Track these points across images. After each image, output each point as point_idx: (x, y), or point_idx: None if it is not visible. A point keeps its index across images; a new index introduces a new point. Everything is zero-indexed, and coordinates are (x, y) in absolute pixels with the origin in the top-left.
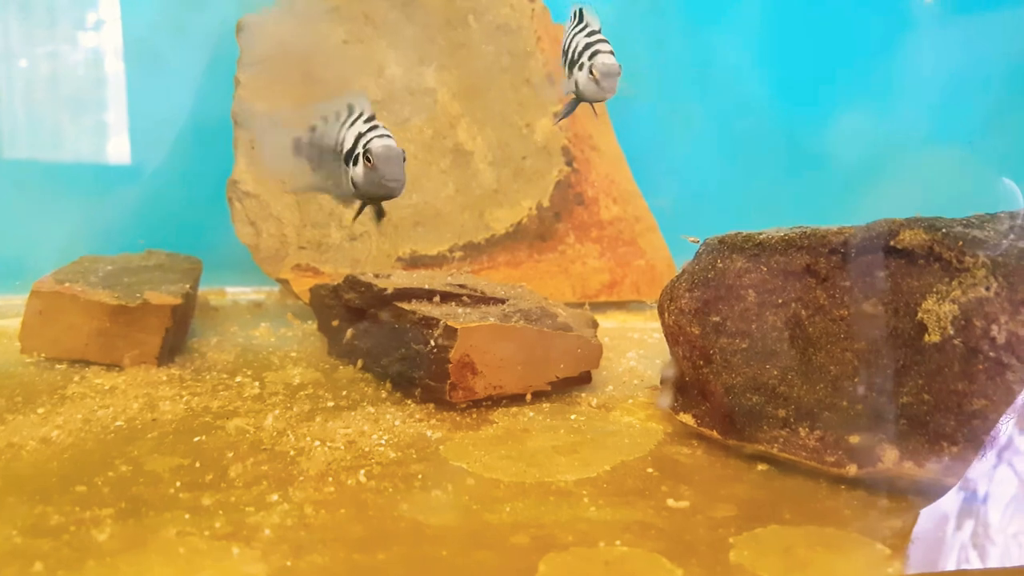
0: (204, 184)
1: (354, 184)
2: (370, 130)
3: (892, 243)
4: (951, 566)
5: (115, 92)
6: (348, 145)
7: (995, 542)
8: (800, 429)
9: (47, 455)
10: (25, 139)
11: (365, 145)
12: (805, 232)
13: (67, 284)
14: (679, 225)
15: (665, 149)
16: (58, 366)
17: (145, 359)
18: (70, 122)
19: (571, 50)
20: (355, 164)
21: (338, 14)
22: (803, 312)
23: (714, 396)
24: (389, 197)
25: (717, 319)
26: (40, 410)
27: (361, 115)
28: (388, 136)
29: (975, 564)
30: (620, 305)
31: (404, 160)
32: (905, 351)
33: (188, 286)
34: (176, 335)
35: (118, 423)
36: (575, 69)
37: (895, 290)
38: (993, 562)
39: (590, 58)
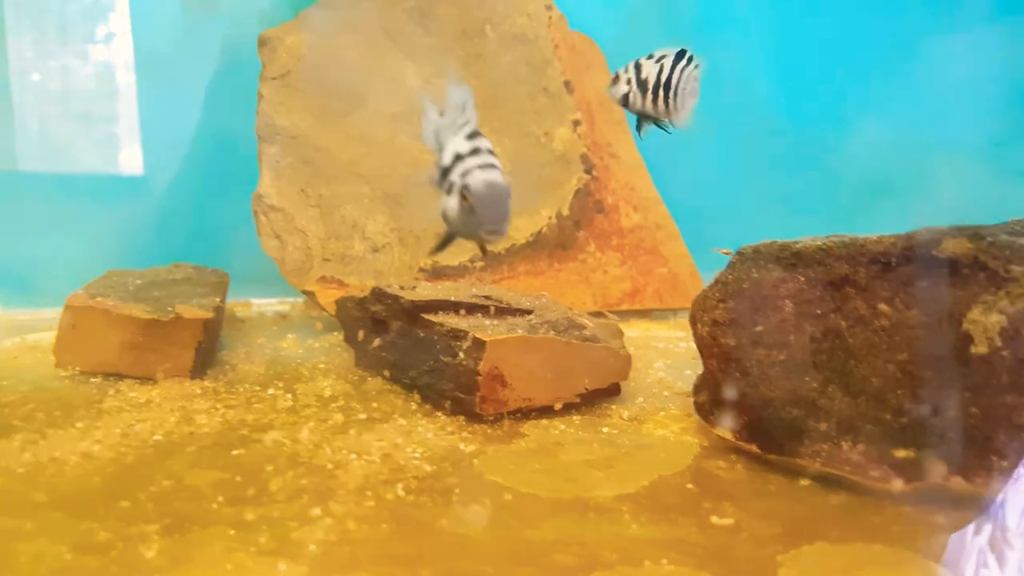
0: (227, 196)
1: (444, 215)
2: (472, 154)
3: (935, 252)
4: (969, 571)
5: (137, 106)
6: (445, 161)
7: (1013, 546)
8: (843, 443)
9: (89, 470)
10: (49, 152)
11: (463, 176)
12: (843, 241)
13: (99, 298)
14: (701, 232)
15: (684, 156)
16: (92, 380)
17: (178, 372)
18: (94, 135)
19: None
20: (448, 192)
21: (356, 27)
22: (843, 323)
23: (752, 409)
24: (483, 242)
25: (753, 330)
26: (79, 424)
27: (467, 122)
28: (493, 166)
29: (993, 569)
30: (643, 314)
31: (509, 196)
32: (950, 363)
33: (218, 299)
34: (207, 348)
35: (156, 437)
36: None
37: (938, 300)
38: (1011, 567)
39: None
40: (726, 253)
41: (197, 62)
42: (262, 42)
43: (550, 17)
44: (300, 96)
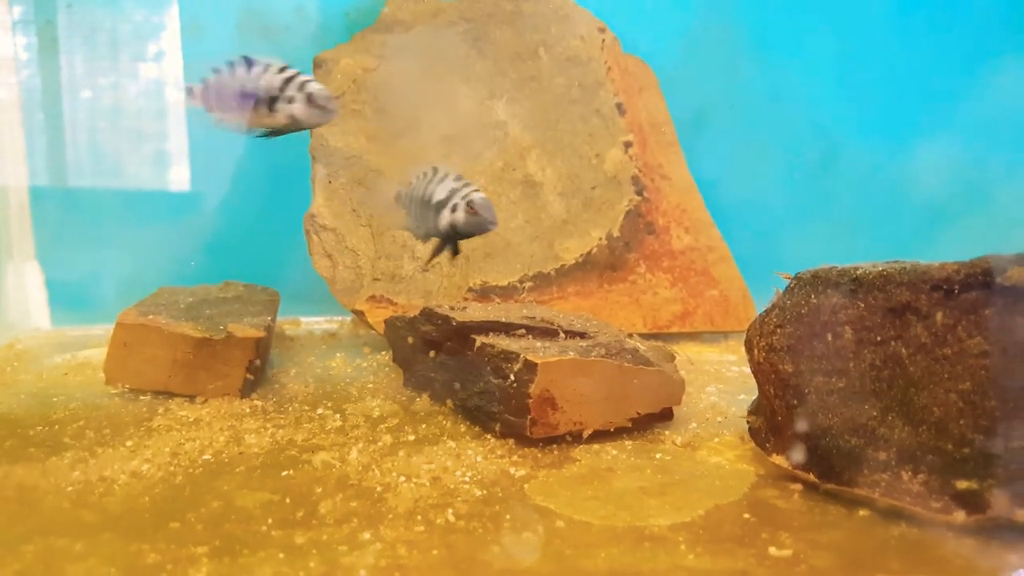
0: (279, 215)
1: (452, 225)
2: (464, 186)
3: (1000, 280)
4: None
5: (187, 124)
6: (441, 196)
7: None
8: (903, 473)
9: (139, 489)
10: (100, 168)
11: (466, 197)
12: (904, 267)
13: (150, 316)
14: (754, 255)
15: (739, 178)
16: (142, 397)
17: (228, 391)
18: (147, 151)
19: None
20: (454, 211)
21: (410, 49)
22: (904, 351)
23: (810, 437)
24: (484, 232)
25: (812, 357)
26: (128, 443)
27: (448, 175)
28: (478, 190)
29: None
30: (693, 336)
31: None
32: (1015, 393)
33: (269, 318)
34: (258, 367)
35: (205, 456)
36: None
37: (1003, 329)
38: None
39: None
40: (787, 277)
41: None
42: (317, 64)
43: (603, 39)
44: (354, 117)
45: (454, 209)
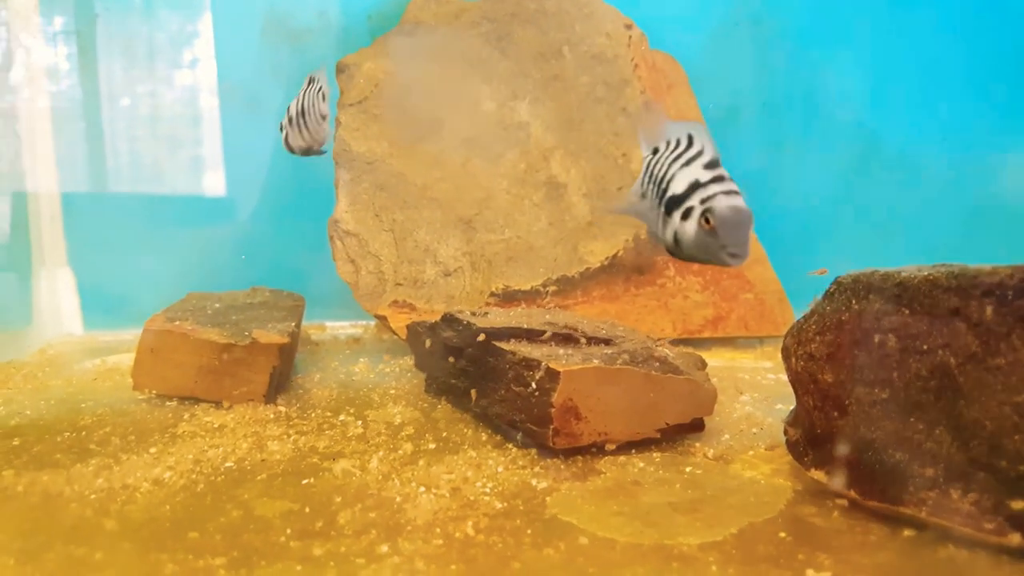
0: (306, 220)
1: (676, 241)
2: (713, 181)
3: None
4: None
5: (216, 131)
6: (677, 190)
7: None
8: (952, 491)
9: (160, 498)
10: (134, 174)
11: (705, 201)
12: (952, 272)
13: (177, 322)
14: (791, 257)
15: (774, 178)
16: (168, 403)
17: (252, 397)
18: (179, 158)
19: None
20: (685, 219)
21: (433, 52)
22: (952, 360)
23: (851, 452)
24: (721, 264)
25: (853, 366)
26: (152, 449)
27: (700, 154)
28: (736, 192)
29: None
30: (726, 342)
31: (752, 222)
32: None
33: (294, 324)
34: (282, 373)
35: (228, 464)
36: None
37: None
38: None
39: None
40: (821, 273)
41: (276, 88)
42: (340, 69)
43: (630, 36)
44: (377, 122)
45: (686, 215)
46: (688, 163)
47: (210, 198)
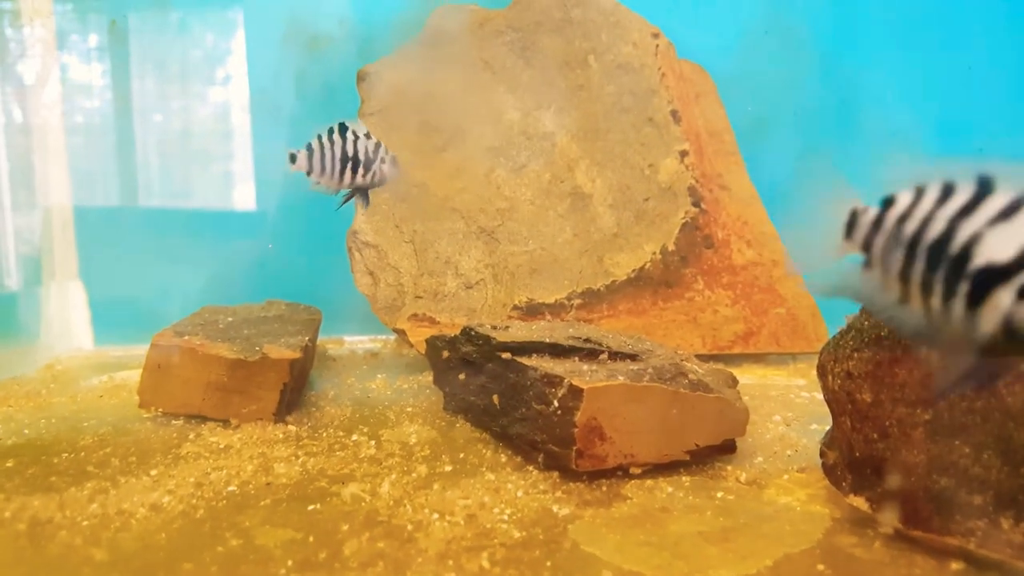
0: (327, 232)
1: (1012, 331)
2: None
3: None
4: None
5: (240, 142)
6: (998, 256)
7: None
8: (1002, 520)
9: (156, 524)
10: (153, 187)
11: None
12: None
13: (186, 337)
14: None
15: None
16: (174, 422)
17: (262, 415)
18: (193, 172)
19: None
20: (981, 300)
21: (455, 61)
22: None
23: (892, 477)
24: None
25: (893, 385)
26: (153, 472)
27: (1013, 208)
28: None
29: None
30: (757, 358)
31: None
32: None
33: (307, 338)
34: (294, 389)
35: (231, 488)
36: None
37: None
38: None
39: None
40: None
41: (298, 99)
42: (361, 77)
43: (657, 45)
44: (398, 131)
45: (982, 291)
46: (967, 213)
47: (227, 210)
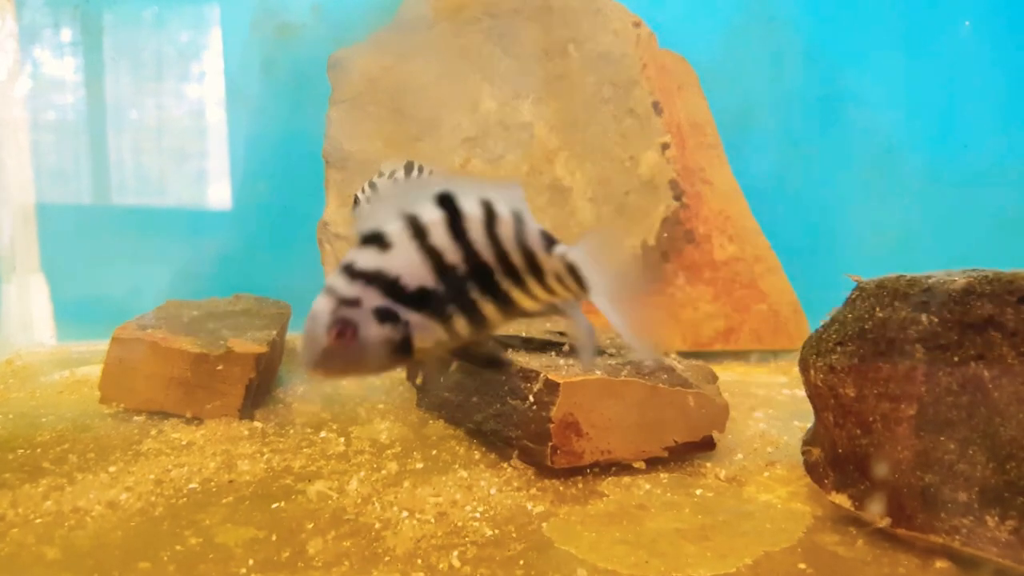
0: (297, 224)
1: None
2: None
3: None
4: None
5: (216, 136)
6: None
7: None
8: (987, 518)
9: (113, 523)
10: (116, 182)
11: None
12: (986, 277)
13: (149, 330)
14: (806, 267)
15: (789, 183)
16: (136, 418)
17: (227, 411)
18: (162, 165)
19: None
20: None
21: (430, 49)
22: (986, 373)
23: (875, 473)
24: None
25: (877, 379)
26: (111, 468)
27: None
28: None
29: None
30: (738, 355)
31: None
32: None
33: (275, 332)
34: (261, 385)
35: (192, 485)
36: None
37: None
38: None
39: None
40: (857, 279)
41: (270, 87)
42: (331, 64)
43: (638, 35)
44: (370, 120)
45: None
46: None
47: (192, 206)
